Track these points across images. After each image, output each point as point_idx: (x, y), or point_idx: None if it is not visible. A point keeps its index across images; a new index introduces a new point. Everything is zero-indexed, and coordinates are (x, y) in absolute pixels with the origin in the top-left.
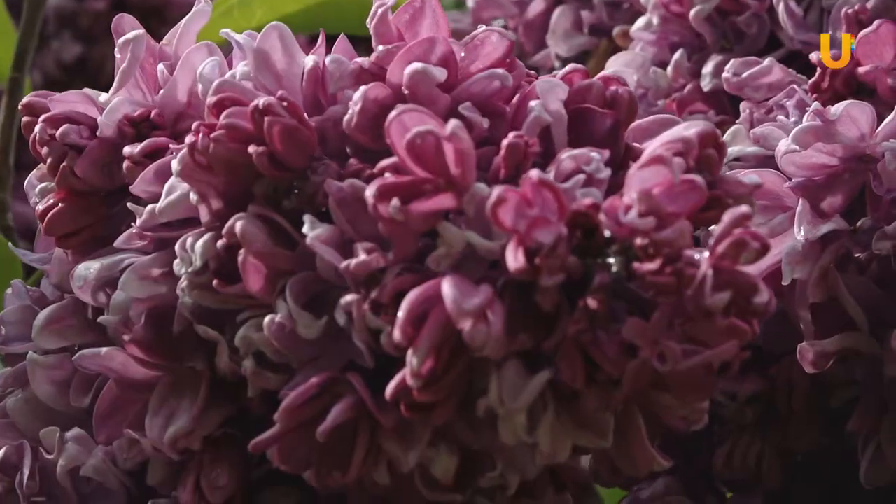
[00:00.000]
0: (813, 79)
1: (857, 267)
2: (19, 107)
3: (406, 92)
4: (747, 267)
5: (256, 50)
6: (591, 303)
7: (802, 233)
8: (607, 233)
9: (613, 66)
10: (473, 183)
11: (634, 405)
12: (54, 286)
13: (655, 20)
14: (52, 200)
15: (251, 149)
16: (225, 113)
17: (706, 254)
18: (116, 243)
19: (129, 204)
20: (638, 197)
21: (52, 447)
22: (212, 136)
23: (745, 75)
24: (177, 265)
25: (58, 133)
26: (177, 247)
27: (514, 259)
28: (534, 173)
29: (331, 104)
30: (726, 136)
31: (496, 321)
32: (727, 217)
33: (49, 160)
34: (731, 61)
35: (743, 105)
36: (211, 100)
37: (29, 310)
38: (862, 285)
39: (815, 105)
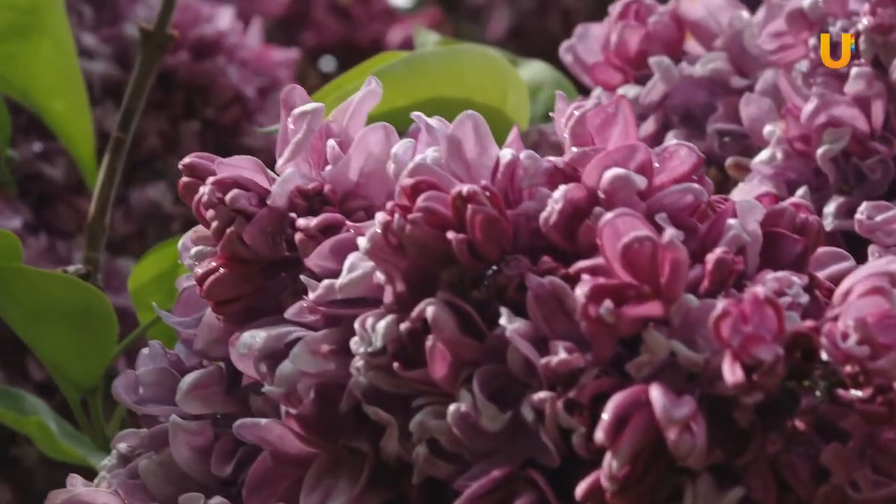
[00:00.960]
0: None
1: None
2: (179, 165)
3: (602, 196)
4: None
5: (450, 137)
6: (800, 425)
7: None
8: (824, 356)
9: (739, 195)
10: (682, 293)
11: None
12: (198, 351)
13: (779, 155)
14: (213, 265)
15: (450, 235)
16: (423, 196)
17: None
18: (287, 315)
19: (302, 277)
20: (855, 325)
21: None
22: (409, 217)
23: (878, 219)
24: (354, 344)
25: (227, 198)
26: (356, 325)
27: (732, 374)
28: (760, 290)
29: (516, 199)
30: None
31: (700, 433)
32: None
33: (215, 224)
34: (864, 204)
35: (871, 248)
36: (406, 182)
37: (166, 372)
38: None
39: None
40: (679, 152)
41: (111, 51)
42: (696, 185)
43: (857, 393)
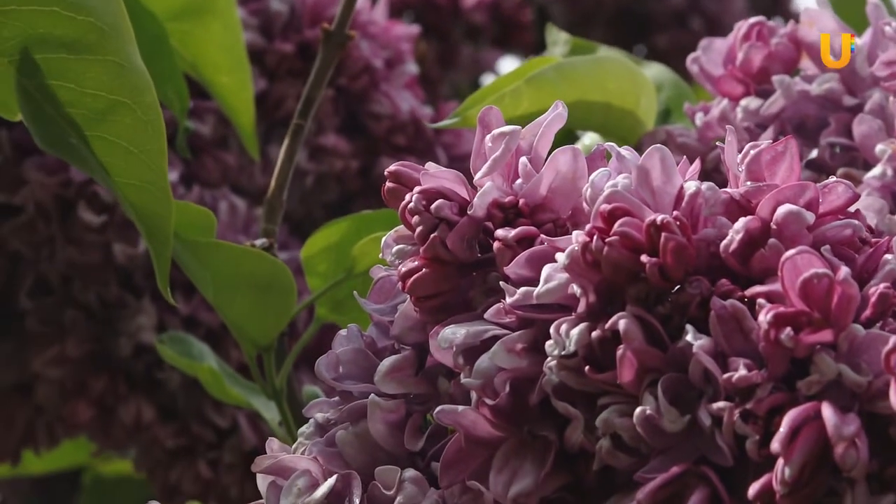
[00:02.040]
0: None
1: None
2: (385, 172)
3: (774, 227)
4: None
5: (639, 167)
6: None
7: None
8: None
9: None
10: (851, 324)
11: None
12: (394, 337)
13: (889, 172)
14: (415, 264)
15: (644, 258)
16: (619, 222)
17: None
18: (486, 315)
19: (501, 283)
20: None
21: (389, 484)
22: (606, 240)
23: None
24: (549, 346)
25: (433, 206)
26: (551, 330)
27: None
28: None
29: (695, 224)
30: None
31: (863, 448)
32: None
33: (419, 228)
34: None
35: None
36: (604, 207)
37: (362, 353)
38: None
39: None
40: (837, 188)
41: (257, 22)
42: (855, 221)
43: None
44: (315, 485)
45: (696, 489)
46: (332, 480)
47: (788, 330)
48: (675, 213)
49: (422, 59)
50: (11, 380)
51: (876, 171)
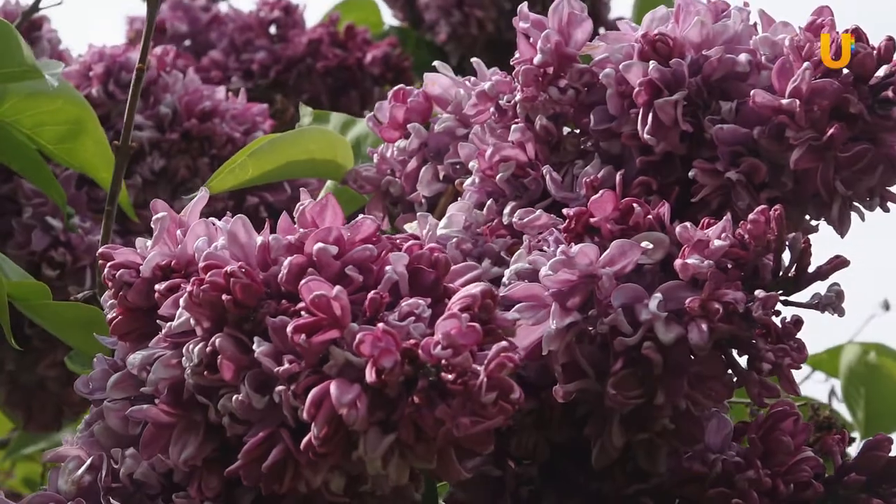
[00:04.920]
0: (564, 224)
1: (588, 339)
2: (97, 253)
3: (315, 259)
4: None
5: (229, 231)
6: (416, 398)
7: (554, 324)
8: (424, 359)
9: (453, 209)
10: (349, 323)
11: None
12: (120, 360)
13: (477, 179)
14: (115, 313)
15: (224, 297)
16: (209, 273)
17: (482, 367)
18: (151, 344)
19: (157, 321)
20: (442, 337)
21: (117, 459)
22: (201, 287)
23: (525, 219)
24: (184, 360)
25: (117, 274)
26: (184, 349)
27: (370, 375)
28: (381, 325)
29: (272, 264)
30: (515, 255)
31: (362, 408)
32: (496, 348)
33: (112, 290)
34: (518, 211)
35: (525, 236)
36: (202, 264)
37: (106, 371)
38: (590, 351)
39: (563, 247)
40: (365, 223)
41: (152, 123)
42: (371, 246)
43: (448, 376)
44: (80, 465)
45: (277, 445)
46: (90, 461)
47: (303, 335)
48: (240, 263)
49: (284, 110)
50: (34, 380)
51: (469, 180)
